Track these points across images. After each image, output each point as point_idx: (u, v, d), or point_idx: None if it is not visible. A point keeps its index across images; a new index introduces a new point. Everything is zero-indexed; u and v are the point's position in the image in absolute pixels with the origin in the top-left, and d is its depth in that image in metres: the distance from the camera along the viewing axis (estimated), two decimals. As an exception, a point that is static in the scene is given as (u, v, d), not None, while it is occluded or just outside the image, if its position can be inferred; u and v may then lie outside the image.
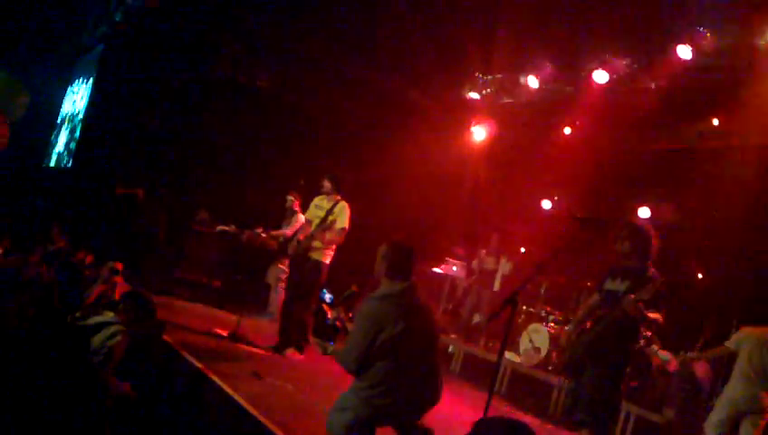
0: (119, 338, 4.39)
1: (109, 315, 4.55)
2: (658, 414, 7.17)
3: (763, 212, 8.84)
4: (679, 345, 7.79)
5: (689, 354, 7.04)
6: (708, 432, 6.15)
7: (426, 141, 11.40)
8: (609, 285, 4.75)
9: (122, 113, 11.13)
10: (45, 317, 5.01)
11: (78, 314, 4.79)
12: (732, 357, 6.24)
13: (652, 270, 4.66)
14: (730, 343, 6.32)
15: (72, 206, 10.63)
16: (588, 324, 4.77)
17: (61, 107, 14.68)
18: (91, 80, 12.82)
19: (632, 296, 4.37)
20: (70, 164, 12.64)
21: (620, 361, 4.57)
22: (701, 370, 7.10)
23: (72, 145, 12.92)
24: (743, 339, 6.24)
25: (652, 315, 4.38)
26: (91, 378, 4.11)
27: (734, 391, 6.10)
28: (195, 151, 11.26)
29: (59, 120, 14.56)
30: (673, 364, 7.48)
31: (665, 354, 7.79)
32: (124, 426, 4.11)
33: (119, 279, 5.80)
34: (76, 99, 13.74)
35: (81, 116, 12.94)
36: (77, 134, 12.84)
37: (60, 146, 13.92)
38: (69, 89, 14.58)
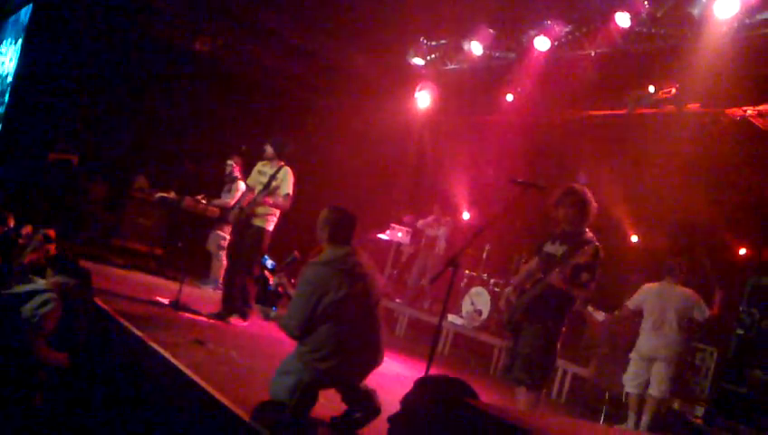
0: (51, 306, 4.25)
1: (39, 283, 4.40)
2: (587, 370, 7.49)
3: (697, 177, 9.18)
4: (615, 306, 8.11)
5: (615, 313, 7.39)
6: (627, 385, 6.52)
7: (369, 107, 11.33)
8: (548, 248, 4.88)
9: (54, 76, 10.65)
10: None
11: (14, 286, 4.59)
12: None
13: (589, 234, 4.80)
14: (631, 303, 6.71)
15: (2, 172, 10.20)
16: (527, 286, 4.90)
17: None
18: (20, 41, 12.23)
19: (557, 271, 4.55)
20: (-1, 129, 12.11)
21: (556, 321, 4.72)
22: (621, 328, 7.49)
23: (1, 109, 12.36)
24: (644, 295, 6.63)
25: (583, 278, 4.55)
26: (20, 349, 3.99)
27: (643, 344, 6.50)
28: (132, 116, 10.91)
29: (-14, 84, 13.89)
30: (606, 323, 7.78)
31: (600, 314, 8.08)
32: (58, 397, 4.03)
33: (51, 247, 5.61)
34: (4, 60, 13.10)
35: (9, 79, 12.37)
36: (6, 98, 12.28)
37: (-12, 110, 13.31)
38: (-4, 50, 13.90)
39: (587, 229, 4.83)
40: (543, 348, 4.64)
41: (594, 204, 4.86)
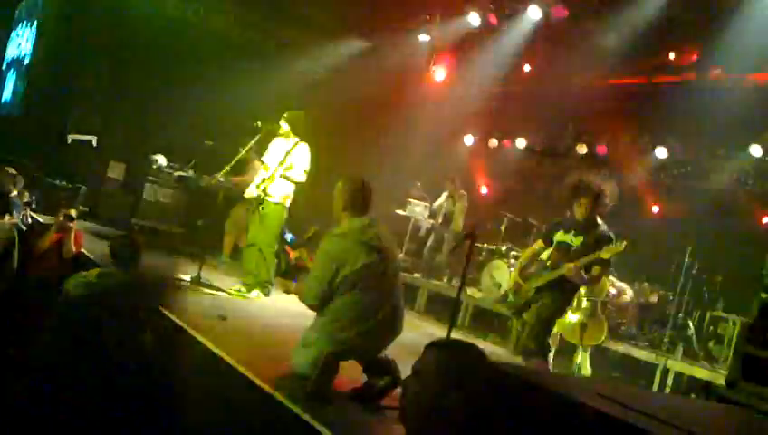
0: None
1: (118, 274, 4.46)
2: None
3: (718, 143, 9.04)
4: (635, 277, 8.07)
5: None
6: None
7: (385, 82, 11.25)
8: (561, 237, 4.91)
9: (71, 57, 10.70)
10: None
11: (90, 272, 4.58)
12: None
13: (601, 223, 4.84)
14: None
15: (23, 154, 10.29)
16: (532, 271, 4.97)
17: (5, 52, 14.08)
18: (36, 22, 12.28)
19: (572, 265, 4.65)
20: (19, 111, 12.20)
21: (565, 296, 4.79)
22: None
23: (20, 91, 12.45)
24: None
25: (594, 272, 4.61)
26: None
27: None
28: (150, 96, 10.92)
29: (4, 66, 13.99)
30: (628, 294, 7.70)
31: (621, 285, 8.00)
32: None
33: (73, 224, 5.67)
34: (21, 42, 13.18)
35: (27, 61, 12.44)
36: (25, 80, 12.36)
37: (7, 93, 13.42)
38: (13, 33, 13.97)
39: (597, 217, 4.87)
40: (549, 319, 4.71)
41: (608, 195, 4.86)
